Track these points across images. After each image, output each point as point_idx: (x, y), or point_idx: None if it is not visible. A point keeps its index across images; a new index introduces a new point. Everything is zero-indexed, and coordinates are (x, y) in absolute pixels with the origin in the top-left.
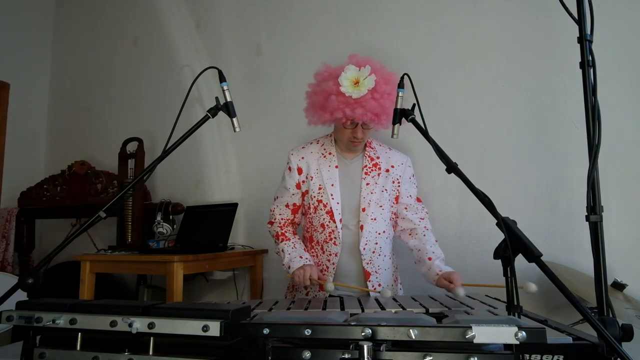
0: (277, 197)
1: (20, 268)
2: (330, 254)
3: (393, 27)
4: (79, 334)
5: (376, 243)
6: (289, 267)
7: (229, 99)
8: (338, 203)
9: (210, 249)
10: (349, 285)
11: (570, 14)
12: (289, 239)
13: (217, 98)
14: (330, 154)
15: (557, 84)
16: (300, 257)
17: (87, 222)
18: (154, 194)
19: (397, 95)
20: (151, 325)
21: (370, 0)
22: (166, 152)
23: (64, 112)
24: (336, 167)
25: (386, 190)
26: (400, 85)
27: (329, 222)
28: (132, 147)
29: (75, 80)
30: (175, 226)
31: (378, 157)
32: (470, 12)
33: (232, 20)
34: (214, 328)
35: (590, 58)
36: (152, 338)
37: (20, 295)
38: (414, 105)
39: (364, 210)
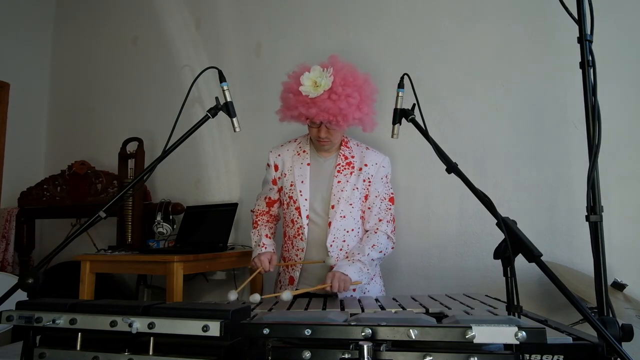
0: (261, 191)
1: (20, 268)
2: (297, 249)
3: (393, 27)
4: (79, 334)
5: (344, 241)
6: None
7: (229, 99)
8: (306, 199)
9: (210, 249)
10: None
11: (570, 14)
12: (257, 226)
13: (217, 98)
14: (304, 151)
15: (557, 84)
16: (259, 245)
17: (87, 222)
18: (154, 194)
19: (397, 95)
20: (151, 325)
21: (371, 0)
22: (166, 152)
23: (64, 112)
24: (308, 164)
25: (357, 188)
26: (400, 85)
27: (297, 217)
28: (132, 147)
29: (75, 80)
30: (175, 226)
31: (353, 157)
32: (470, 12)
33: (232, 20)
34: (214, 328)
35: (590, 58)
36: (152, 338)
37: (20, 295)
38: (414, 105)
39: (333, 207)
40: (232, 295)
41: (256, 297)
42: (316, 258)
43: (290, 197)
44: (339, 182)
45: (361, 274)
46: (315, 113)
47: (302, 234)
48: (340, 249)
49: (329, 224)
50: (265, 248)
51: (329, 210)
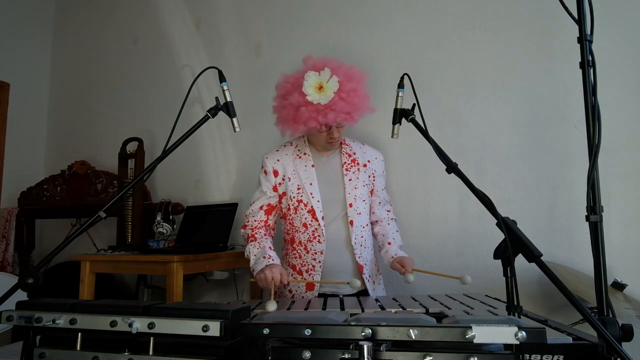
0: (253, 202)
1: (20, 268)
2: (315, 253)
3: (393, 27)
4: (79, 334)
5: (362, 237)
6: (254, 271)
7: (229, 99)
8: (319, 201)
9: (210, 249)
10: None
11: (570, 14)
12: (256, 239)
13: (217, 98)
14: (305, 154)
15: (557, 84)
16: (264, 257)
17: (87, 222)
18: (154, 194)
19: (397, 95)
20: (151, 325)
21: (370, 0)
22: (166, 152)
23: (64, 112)
24: (312, 166)
25: (366, 185)
26: (400, 85)
27: (312, 220)
28: (132, 147)
29: (75, 80)
30: (175, 226)
31: (354, 153)
32: (470, 12)
33: (232, 20)
34: (214, 328)
35: (590, 58)
36: (152, 338)
37: (20, 295)
38: (414, 105)
39: (351, 205)
40: (272, 306)
41: (271, 307)
42: (336, 257)
43: (300, 201)
44: (350, 180)
45: None
46: (333, 117)
47: (320, 235)
48: (361, 245)
49: (351, 222)
50: (273, 260)
51: (347, 208)
